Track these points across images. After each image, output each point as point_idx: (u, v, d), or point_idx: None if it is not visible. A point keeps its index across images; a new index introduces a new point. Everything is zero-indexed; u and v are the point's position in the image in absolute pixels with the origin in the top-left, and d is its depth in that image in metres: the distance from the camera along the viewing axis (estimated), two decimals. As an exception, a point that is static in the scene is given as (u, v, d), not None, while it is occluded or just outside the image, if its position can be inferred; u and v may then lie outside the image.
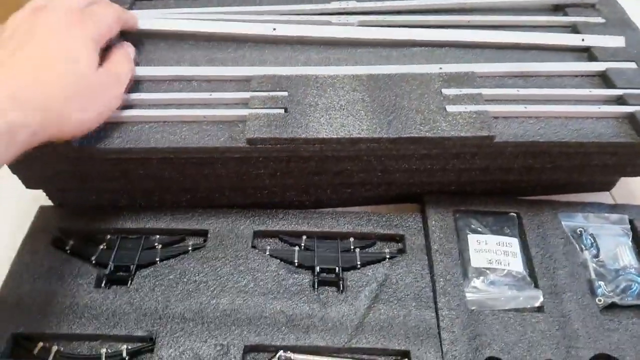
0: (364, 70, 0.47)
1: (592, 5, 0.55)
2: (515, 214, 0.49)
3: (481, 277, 0.44)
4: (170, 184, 0.47)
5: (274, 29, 0.49)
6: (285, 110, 0.43)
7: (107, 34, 0.42)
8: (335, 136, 0.41)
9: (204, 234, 0.48)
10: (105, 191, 0.49)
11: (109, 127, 0.42)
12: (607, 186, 0.54)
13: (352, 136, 0.41)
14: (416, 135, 0.41)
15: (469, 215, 0.49)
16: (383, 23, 0.52)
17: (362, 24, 0.52)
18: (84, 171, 0.45)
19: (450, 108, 0.43)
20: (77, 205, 0.50)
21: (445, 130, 0.42)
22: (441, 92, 0.45)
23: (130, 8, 0.54)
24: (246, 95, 0.44)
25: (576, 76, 0.48)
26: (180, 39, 0.51)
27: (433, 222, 0.48)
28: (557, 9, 0.56)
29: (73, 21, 0.39)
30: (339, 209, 0.51)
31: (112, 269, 0.45)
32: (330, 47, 0.50)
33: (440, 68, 0.48)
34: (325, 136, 0.41)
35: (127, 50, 0.45)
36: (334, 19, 0.52)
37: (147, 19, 0.50)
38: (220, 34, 0.50)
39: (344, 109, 0.43)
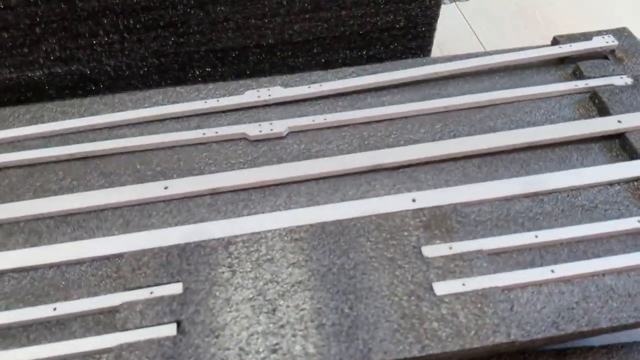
0: (301, 218, 0.31)
1: (611, 52, 0.40)
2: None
3: None
4: None
5: (166, 188, 0.32)
6: (178, 326, 0.27)
7: None
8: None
9: None
10: None
11: None
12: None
13: (287, 376, 0.25)
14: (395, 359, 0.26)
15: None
16: (322, 125, 0.35)
17: (293, 130, 0.35)
18: None
19: (441, 288, 0.28)
20: None
21: (440, 338, 0.26)
22: (421, 252, 0.29)
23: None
24: (113, 300, 0.27)
25: (611, 184, 0.33)
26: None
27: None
28: (565, 62, 0.40)
29: None
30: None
31: None
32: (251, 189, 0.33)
33: (414, 200, 0.31)
34: (244, 381, 0.25)
35: None
36: (251, 129, 0.35)
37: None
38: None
39: (275, 314, 0.27)
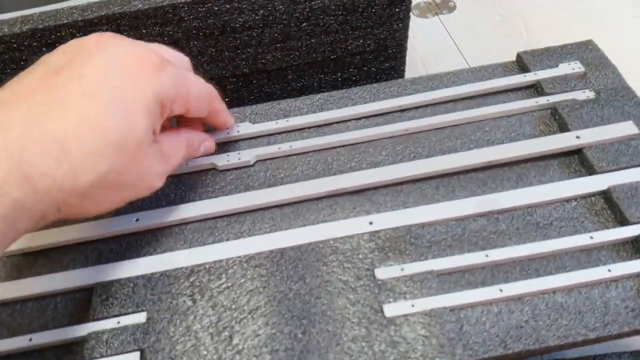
0: (262, 244, 0.32)
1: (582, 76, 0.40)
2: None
3: None
4: None
5: (137, 220, 0.34)
6: (141, 354, 0.28)
7: (182, 105, 0.30)
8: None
9: None
10: None
11: None
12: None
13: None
14: (339, 383, 0.27)
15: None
16: (288, 152, 0.37)
17: (260, 159, 0.37)
18: None
19: (390, 309, 0.29)
20: None
21: (384, 362, 0.27)
22: (374, 275, 0.30)
23: None
24: (83, 330, 0.29)
25: (567, 201, 0.34)
26: None
27: None
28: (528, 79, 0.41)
29: (146, 66, 0.28)
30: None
31: None
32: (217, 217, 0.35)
33: (371, 223, 0.33)
34: (199, 405, 0.27)
35: (194, 140, 0.35)
36: (220, 160, 0.37)
37: None
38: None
39: (232, 341, 0.29)
